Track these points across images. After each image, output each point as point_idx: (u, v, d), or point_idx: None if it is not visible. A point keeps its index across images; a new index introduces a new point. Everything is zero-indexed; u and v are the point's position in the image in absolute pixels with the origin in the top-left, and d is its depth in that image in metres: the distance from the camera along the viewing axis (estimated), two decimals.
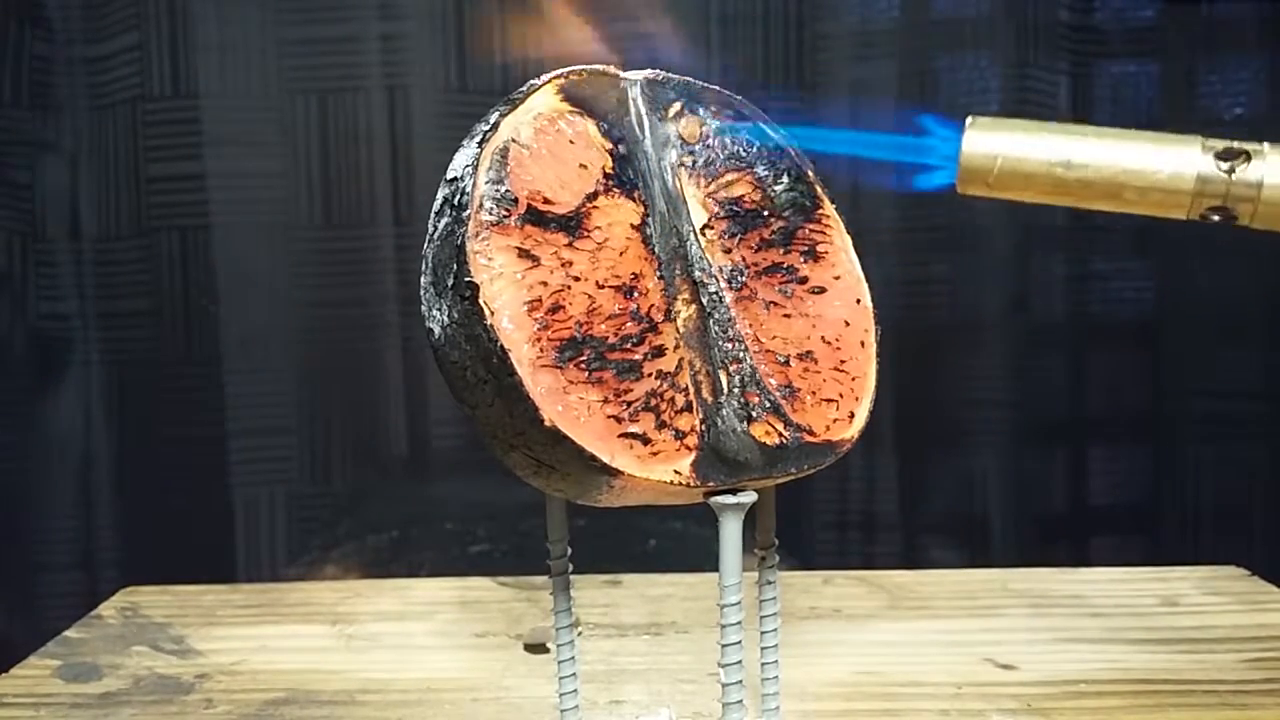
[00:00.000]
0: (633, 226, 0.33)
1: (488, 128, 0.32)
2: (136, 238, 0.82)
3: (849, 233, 0.36)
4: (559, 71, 0.34)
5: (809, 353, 0.35)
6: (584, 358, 0.31)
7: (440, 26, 0.81)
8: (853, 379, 0.35)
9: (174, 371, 0.83)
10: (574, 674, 0.38)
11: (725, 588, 0.33)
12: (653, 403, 0.32)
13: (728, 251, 0.35)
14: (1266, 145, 0.34)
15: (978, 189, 0.35)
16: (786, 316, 0.35)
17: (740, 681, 0.34)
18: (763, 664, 0.37)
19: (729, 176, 0.35)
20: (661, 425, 0.32)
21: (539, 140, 0.32)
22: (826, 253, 0.36)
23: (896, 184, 0.36)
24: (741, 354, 0.34)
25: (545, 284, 0.31)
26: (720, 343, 0.34)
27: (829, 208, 0.36)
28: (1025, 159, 0.35)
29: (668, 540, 0.78)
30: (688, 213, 0.34)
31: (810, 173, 0.36)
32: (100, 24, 0.81)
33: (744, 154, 0.36)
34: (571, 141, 0.33)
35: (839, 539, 0.86)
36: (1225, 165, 0.34)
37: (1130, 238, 0.85)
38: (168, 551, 0.83)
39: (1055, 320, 0.86)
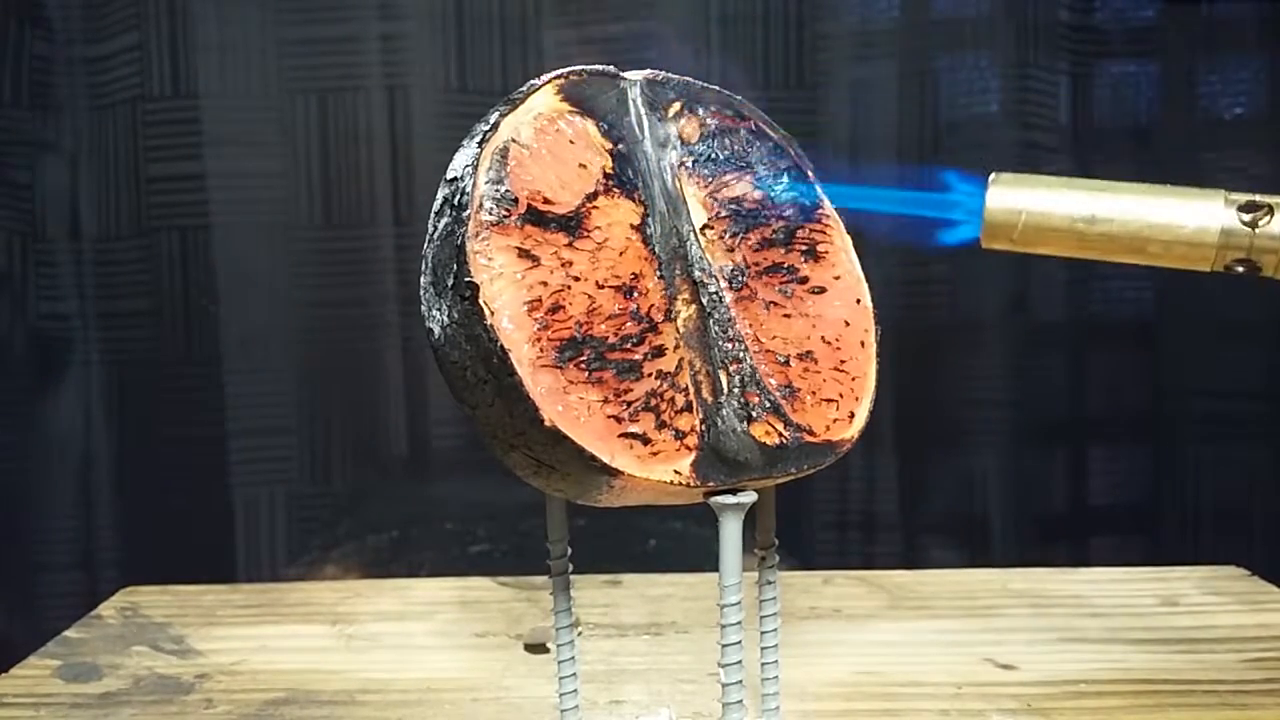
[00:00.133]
0: (632, 226, 0.33)
1: (488, 128, 0.32)
2: (136, 238, 0.82)
3: (849, 233, 0.36)
4: (559, 71, 0.34)
5: (809, 353, 0.35)
6: (584, 358, 0.31)
7: (440, 26, 0.81)
8: (853, 379, 0.35)
9: (174, 371, 0.83)
10: (574, 674, 0.38)
11: (725, 588, 0.33)
12: (653, 403, 0.32)
13: (728, 251, 0.35)
14: None
15: (1002, 244, 0.36)
16: (786, 316, 0.35)
17: (740, 681, 0.34)
18: (763, 664, 0.37)
19: (729, 176, 0.35)
20: (661, 425, 0.32)
21: (539, 140, 0.32)
22: (826, 253, 0.36)
23: (921, 239, 0.36)
24: (741, 354, 0.34)
25: (545, 284, 0.31)
26: (720, 343, 0.34)
27: (829, 207, 0.36)
28: (1049, 215, 0.35)
29: (668, 540, 0.78)
30: (688, 213, 0.34)
31: (810, 173, 0.36)
32: (100, 24, 0.81)
33: (744, 154, 0.36)
34: (571, 141, 0.33)
35: (839, 539, 0.86)
36: (1248, 218, 0.34)
37: None
38: (168, 551, 0.83)
39: (1055, 320, 0.86)
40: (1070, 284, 0.85)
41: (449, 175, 0.32)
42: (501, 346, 0.30)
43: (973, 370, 0.85)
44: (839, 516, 0.86)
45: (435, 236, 0.32)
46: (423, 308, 0.32)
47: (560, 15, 0.82)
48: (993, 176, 0.36)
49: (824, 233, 0.36)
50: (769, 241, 0.35)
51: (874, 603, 0.55)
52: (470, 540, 0.81)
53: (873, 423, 0.35)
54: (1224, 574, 0.57)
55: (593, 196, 0.32)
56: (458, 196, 0.31)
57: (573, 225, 0.32)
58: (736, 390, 0.33)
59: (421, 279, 0.32)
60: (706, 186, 0.35)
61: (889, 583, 0.58)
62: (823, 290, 0.35)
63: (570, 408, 0.30)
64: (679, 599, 0.56)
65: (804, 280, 0.35)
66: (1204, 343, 0.85)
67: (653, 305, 0.33)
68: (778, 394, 0.34)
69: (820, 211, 0.36)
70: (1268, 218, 0.34)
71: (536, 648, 0.50)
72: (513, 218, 0.31)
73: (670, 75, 0.35)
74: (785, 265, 0.35)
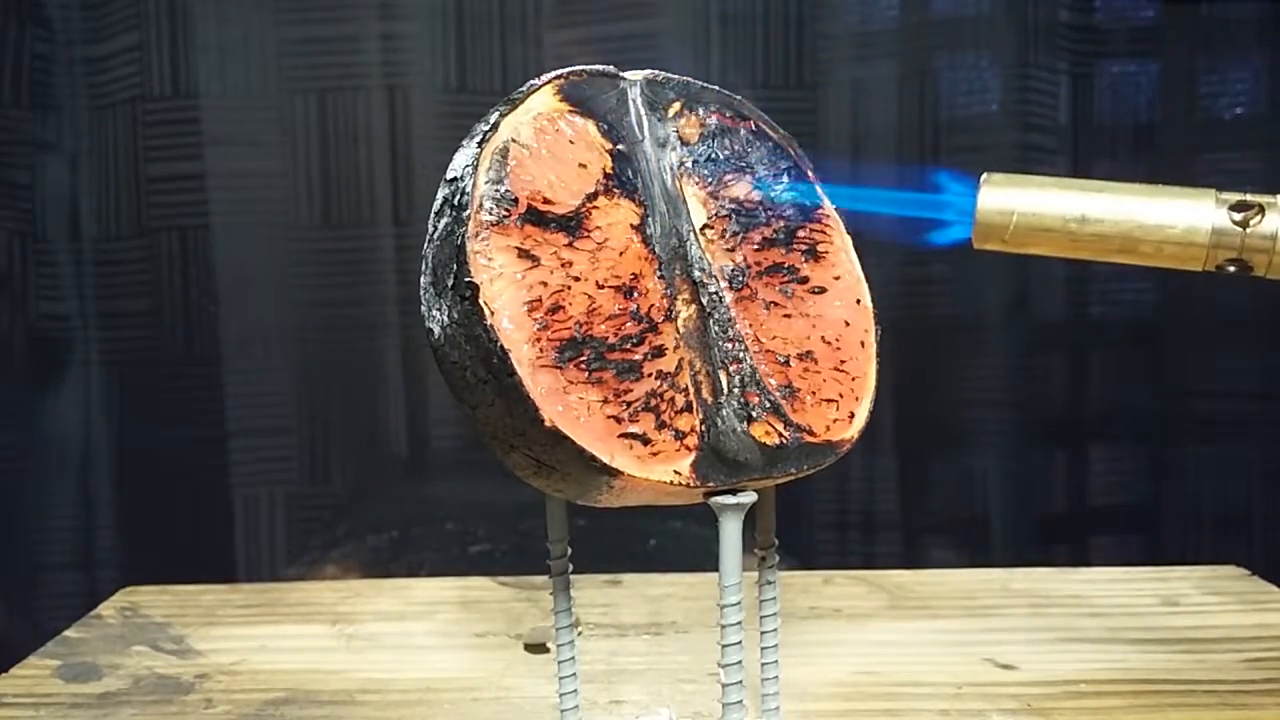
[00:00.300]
0: (632, 227, 0.33)
1: (488, 128, 0.32)
2: (136, 238, 0.82)
3: (849, 233, 0.36)
4: (559, 72, 0.34)
5: (809, 353, 0.34)
6: (584, 358, 0.31)
7: (440, 26, 0.81)
8: (853, 379, 0.35)
9: (174, 371, 0.83)
10: (574, 674, 0.38)
11: (725, 588, 0.33)
12: (653, 403, 0.32)
13: (728, 251, 0.34)
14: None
15: (994, 245, 0.36)
16: (787, 316, 0.35)
17: (740, 681, 0.34)
18: (763, 664, 0.37)
19: (729, 176, 0.35)
20: (661, 425, 0.32)
21: (539, 140, 0.32)
22: (827, 253, 0.36)
23: (913, 239, 0.37)
24: (741, 354, 0.34)
25: (545, 284, 0.31)
26: (720, 343, 0.34)
27: (829, 207, 0.36)
28: (1040, 215, 0.35)
29: (668, 540, 0.78)
30: (688, 213, 0.34)
31: (810, 173, 0.36)
32: (100, 24, 0.81)
33: (744, 154, 0.36)
34: (571, 142, 0.33)
35: (839, 539, 0.86)
36: (1239, 218, 0.34)
37: None
38: (168, 551, 0.83)
39: (1055, 320, 0.86)
40: (1070, 284, 0.85)
41: (449, 175, 0.32)
42: (501, 346, 0.30)
43: (973, 370, 0.85)
44: (839, 516, 0.86)
45: (435, 236, 0.32)
46: (423, 308, 0.32)
47: (560, 15, 0.82)
48: (984, 177, 0.36)
49: (824, 233, 0.36)
50: (769, 241, 0.35)
51: (874, 603, 0.55)
52: (470, 540, 0.81)
53: (873, 423, 0.35)
54: (1224, 574, 0.57)
55: (593, 196, 0.32)
56: (458, 196, 0.31)
57: (573, 225, 0.32)
58: (736, 390, 0.33)
59: (421, 279, 0.32)
60: (706, 186, 0.35)
61: (889, 583, 0.57)
62: (823, 290, 0.35)
63: (570, 408, 0.30)
64: (679, 599, 0.56)
65: (804, 280, 0.35)
66: (1204, 343, 0.85)
67: (653, 305, 0.33)
68: (778, 394, 0.34)
69: (820, 211, 0.36)
70: (1258, 217, 0.34)
71: (536, 648, 0.50)
72: (513, 218, 0.31)
73: (670, 75, 0.35)
74: (785, 265, 0.35)
